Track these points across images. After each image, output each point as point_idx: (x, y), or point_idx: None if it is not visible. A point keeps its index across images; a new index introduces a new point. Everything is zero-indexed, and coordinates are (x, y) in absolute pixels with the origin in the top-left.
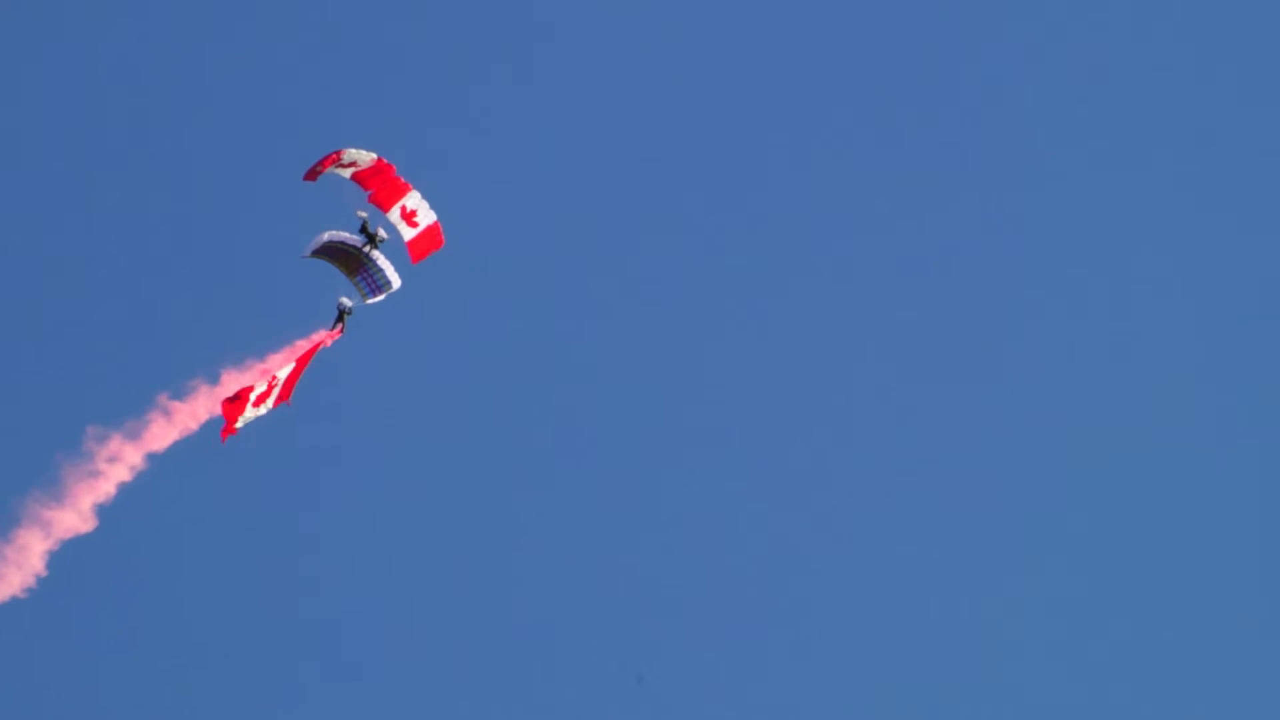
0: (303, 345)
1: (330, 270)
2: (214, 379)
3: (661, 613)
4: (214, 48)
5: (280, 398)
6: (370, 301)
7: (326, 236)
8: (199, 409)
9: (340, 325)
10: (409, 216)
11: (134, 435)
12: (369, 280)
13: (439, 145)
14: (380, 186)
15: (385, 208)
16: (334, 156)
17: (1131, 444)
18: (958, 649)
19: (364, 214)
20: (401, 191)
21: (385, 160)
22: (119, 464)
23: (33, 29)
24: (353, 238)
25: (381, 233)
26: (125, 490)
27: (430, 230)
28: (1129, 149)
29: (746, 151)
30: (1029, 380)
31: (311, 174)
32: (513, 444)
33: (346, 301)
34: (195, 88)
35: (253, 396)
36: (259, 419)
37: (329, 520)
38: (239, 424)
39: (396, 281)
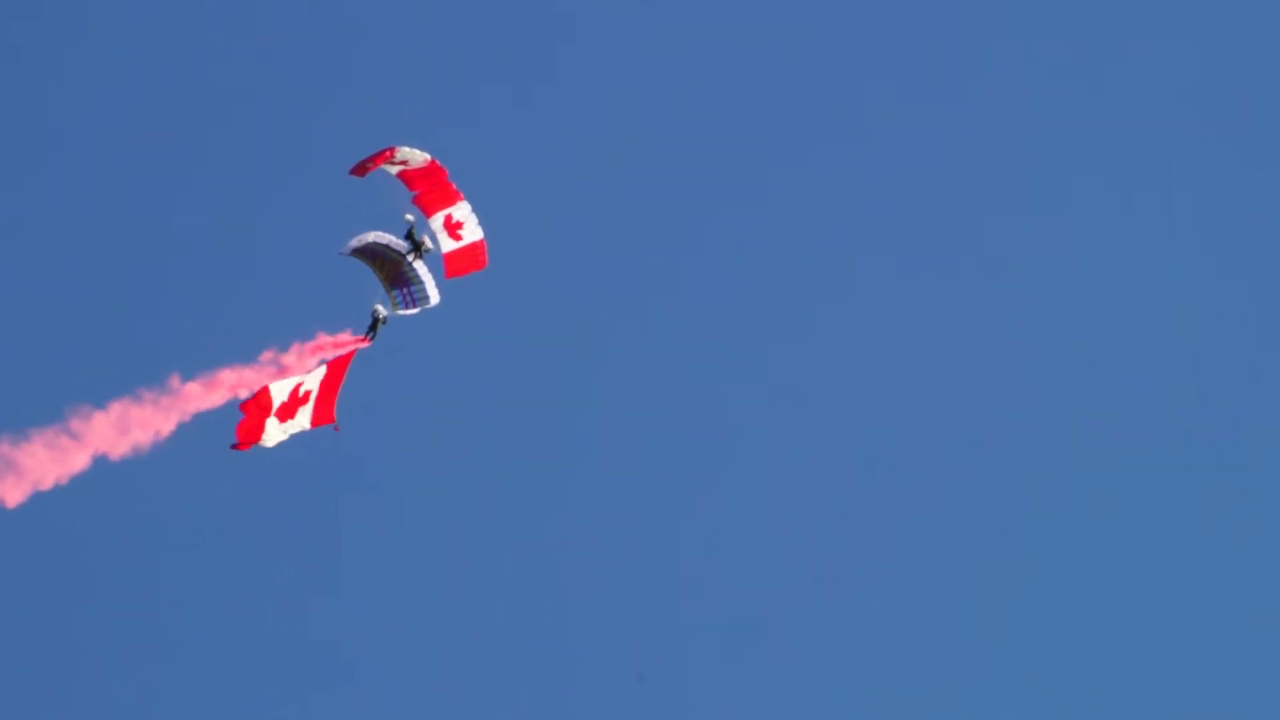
0: (330, 348)
1: (365, 271)
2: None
3: (661, 612)
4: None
5: (321, 418)
6: (402, 314)
7: (371, 237)
8: (212, 395)
9: (372, 334)
10: (453, 228)
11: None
12: (406, 293)
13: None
14: (428, 189)
15: (429, 212)
16: (387, 153)
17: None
18: (960, 652)
19: (411, 218)
20: (450, 199)
21: (439, 163)
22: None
23: None
24: (397, 242)
25: (428, 242)
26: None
27: (473, 248)
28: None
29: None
30: (1049, 383)
31: (360, 169)
32: (512, 441)
33: (382, 310)
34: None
35: (275, 405)
36: (295, 437)
37: (325, 517)
38: (268, 441)
39: (435, 298)
